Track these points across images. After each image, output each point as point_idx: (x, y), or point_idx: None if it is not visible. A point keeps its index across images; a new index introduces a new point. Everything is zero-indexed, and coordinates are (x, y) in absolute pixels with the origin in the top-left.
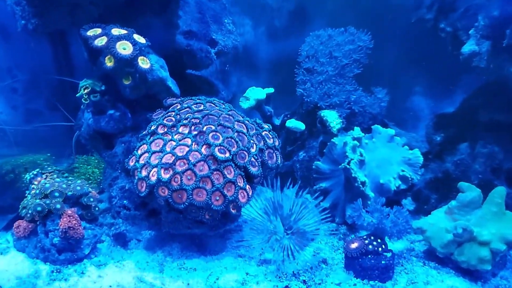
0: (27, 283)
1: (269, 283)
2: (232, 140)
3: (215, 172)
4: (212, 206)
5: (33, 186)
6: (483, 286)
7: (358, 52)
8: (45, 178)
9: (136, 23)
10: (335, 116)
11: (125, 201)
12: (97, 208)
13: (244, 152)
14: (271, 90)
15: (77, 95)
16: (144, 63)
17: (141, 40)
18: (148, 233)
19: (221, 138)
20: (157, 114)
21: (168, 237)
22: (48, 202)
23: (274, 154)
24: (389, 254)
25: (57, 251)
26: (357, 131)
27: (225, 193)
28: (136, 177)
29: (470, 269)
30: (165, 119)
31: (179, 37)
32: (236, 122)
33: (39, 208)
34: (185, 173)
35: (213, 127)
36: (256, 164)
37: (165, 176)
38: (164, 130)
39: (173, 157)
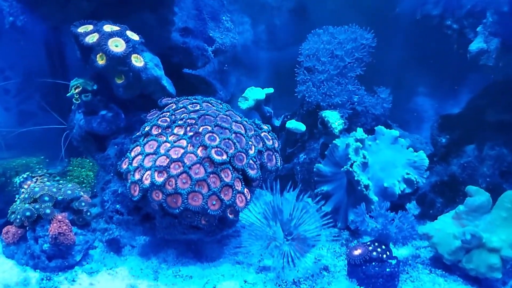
0: None
1: None
2: (230, 142)
3: (211, 175)
4: (209, 210)
5: (22, 190)
6: None
7: (360, 51)
8: (35, 182)
9: (130, 20)
10: (337, 117)
11: (117, 206)
12: (89, 213)
13: (242, 154)
14: (270, 90)
15: (68, 94)
16: (137, 61)
17: (135, 37)
18: (143, 238)
19: (218, 140)
20: (152, 115)
21: (163, 243)
22: (37, 206)
23: (273, 156)
24: (394, 261)
25: (47, 257)
26: (360, 132)
27: (222, 197)
28: (129, 181)
29: (479, 277)
30: (160, 119)
31: (174, 34)
32: (234, 123)
33: (28, 213)
34: (180, 176)
35: (210, 128)
36: (255, 166)
37: (159, 179)
38: (158, 131)
39: (168, 160)
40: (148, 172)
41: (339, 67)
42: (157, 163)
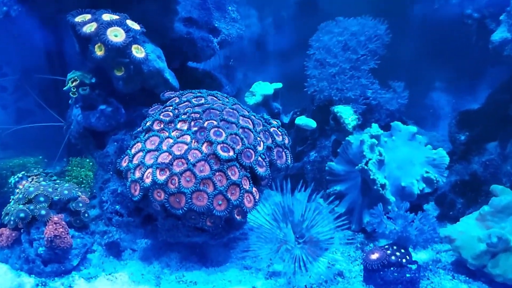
0: None
1: None
2: (237, 137)
3: (217, 173)
4: (214, 211)
5: (17, 190)
6: None
7: (374, 42)
8: (31, 182)
9: (130, 9)
10: (350, 112)
11: (117, 206)
12: (86, 215)
13: (250, 150)
14: (279, 85)
15: (65, 88)
16: (138, 52)
17: (135, 26)
18: (144, 242)
19: (224, 135)
20: (153, 109)
21: (166, 246)
22: (32, 207)
23: (283, 153)
24: (414, 266)
25: (43, 262)
26: (375, 128)
27: (229, 196)
28: (129, 179)
29: (506, 284)
30: (162, 114)
31: (177, 24)
32: (241, 117)
33: (22, 215)
34: (183, 174)
35: (215, 123)
36: (264, 164)
37: (161, 177)
38: (160, 126)
39: (170, 156)
40: (150, 170)
41: (352, 60)
42: (159, 160)
